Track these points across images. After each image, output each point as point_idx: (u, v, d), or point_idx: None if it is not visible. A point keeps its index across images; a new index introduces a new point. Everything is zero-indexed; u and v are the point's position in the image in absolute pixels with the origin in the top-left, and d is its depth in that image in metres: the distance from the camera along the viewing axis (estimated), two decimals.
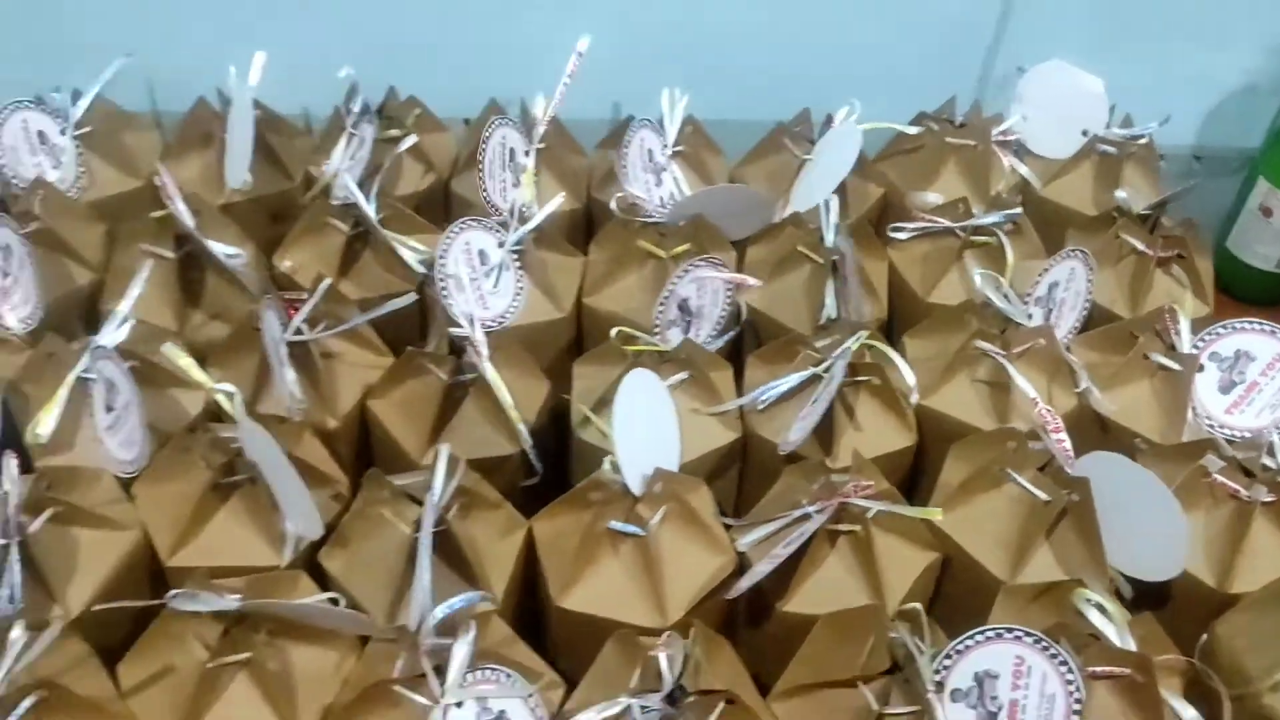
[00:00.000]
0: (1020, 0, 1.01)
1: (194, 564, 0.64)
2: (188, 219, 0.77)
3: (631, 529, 0.64)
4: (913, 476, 0.78)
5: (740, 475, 0.77)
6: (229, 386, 0.66)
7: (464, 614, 0.57)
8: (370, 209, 0.81)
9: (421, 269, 0.82)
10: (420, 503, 0.65)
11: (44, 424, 0.67)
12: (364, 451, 0.77)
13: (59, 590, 0.62)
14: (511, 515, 0.68)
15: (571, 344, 0.85)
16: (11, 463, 0.62)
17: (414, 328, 0.85)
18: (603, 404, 0.73)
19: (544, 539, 0.67)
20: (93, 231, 0.83)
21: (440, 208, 0.93)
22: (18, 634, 0.54)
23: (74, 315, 0.80)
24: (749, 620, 0.69)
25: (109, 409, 0.69)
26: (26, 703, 0.54)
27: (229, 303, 0.81)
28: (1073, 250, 0.80)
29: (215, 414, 0.70)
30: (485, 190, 0.87)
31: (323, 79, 0.91)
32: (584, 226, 0.94)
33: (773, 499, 0.69)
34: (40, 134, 0.86)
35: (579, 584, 0.65)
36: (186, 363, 0.67)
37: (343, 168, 0.88)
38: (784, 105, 0.98)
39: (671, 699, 0.56)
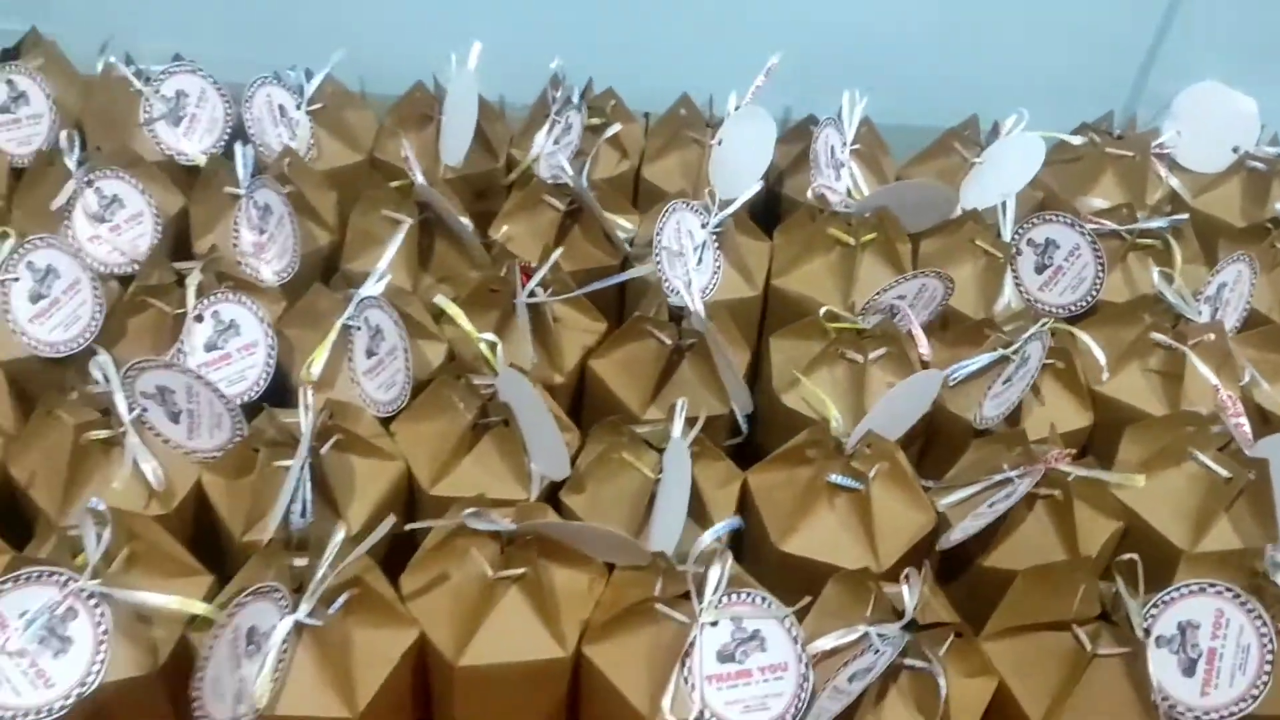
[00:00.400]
0: (1176, 21, 1.06)
1: (452, 494, 0.72)
2: (431, 191, 0.84)
3: (850, 483, 0.71)
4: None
5: (924, 444, 0.84)
6: (491, 336, 0.73)
7: (713, 545, 0.64)
8: (585, 188, 0.88)
9: (627, 245, 0.89)
10: (656, 449, 0.72)
11: (317, 363, 0.75)
12: (576, 407, 0.85)
13: (343, 508, 0.70)
14: (730, 467, 0.75)
15: (758, 320, 0.92)
16: (308, 391, 0.69)
17: (607, 297, 0.92)
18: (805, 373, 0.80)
19: (760, 489, 0.74)
20: (327, 198, 0.91)
21: (630, 193, 1.01)
22: (338, 538, 0.61)
23: (315, 272, 0.88)
24: (942, 573, 0.76)
25: (369, 354, 0.77)
26: (344, 596, 0.62)
27: (454, 267, 0.88)
28: (1240, 255, 0.86)
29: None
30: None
31: (512, 69, 0.98)
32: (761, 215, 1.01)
33: (969, 465, 0.76)
34: (280, 107, 0.94)
35: (798, 531, 0.71)
36: (456, 312, 0.74)
37: (547, 150, 0.96)
38: (934, 112, 1.05)
39: (906, 629, 0.62)
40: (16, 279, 0.76)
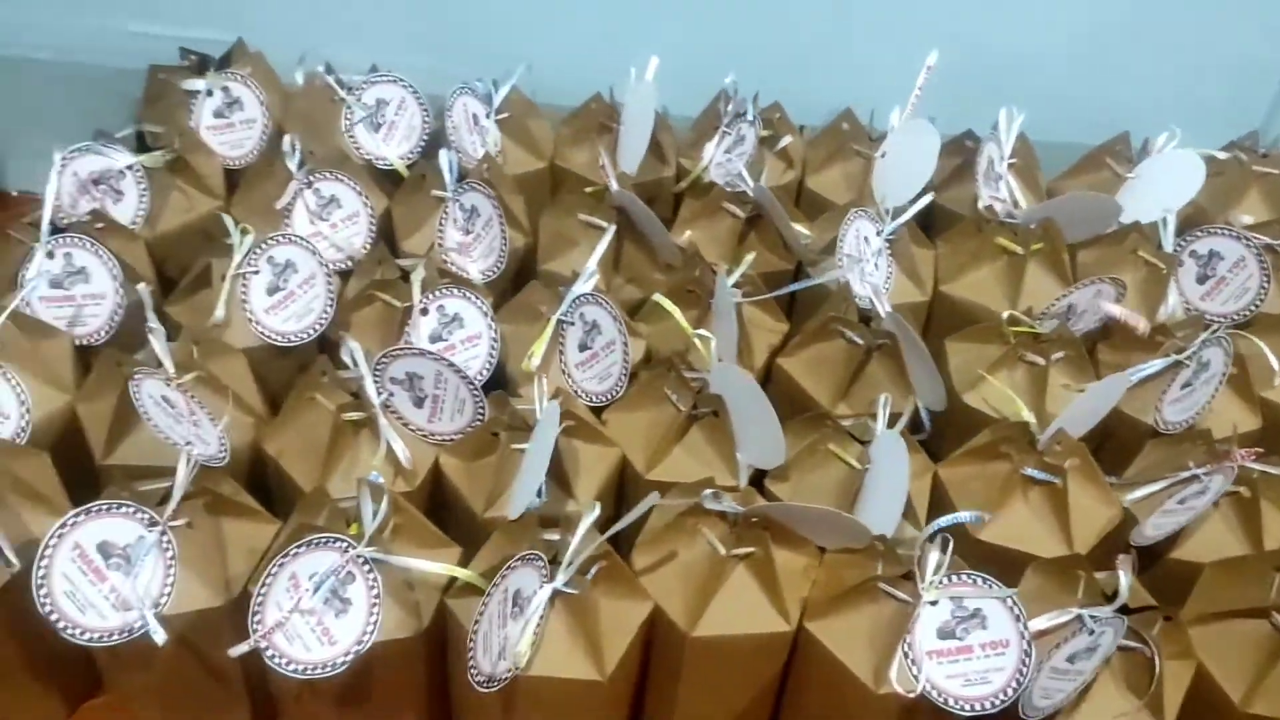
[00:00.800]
0: None
1: (667, 480, 0.77)
2: (628, 195, 0.90)
3: (1046, 476, 0.75)
4: None
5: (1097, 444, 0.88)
6: (705, 333, 0.78)
7: (931, 530, 0.69)
8: (770, 197, 0.93)
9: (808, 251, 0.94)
10: (861, 440, 0.77)
11: (536, 355, 0.80)
12: None
13: (574, 489, 0.75)
14: (924, 460, 0.80)
15: (924, 324, 0.96)
16: (543, 380, 0.75)
17: (780, 300, 0.96)
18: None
19: (953, 482, 0.79)
20: (516, 201, 0.97)
21: (793, 201, 1.06)
22: (593, 514, 0.66)
23: (509, 271, 0.93)
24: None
25: (582, 348, 0.82)
26: (595, 567, 0.67)
27: (640, 269, 0.94)
28: None
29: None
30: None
31: (672, 83, 1.03)
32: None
33: (1150, 464, 0.80)
34: (474, 116, 1.00)
35: (995, 521, 0.76)
36: (673, 309, 0.80)
37: (718, 160, 1.01)
38: (1076, 129, 1.09)
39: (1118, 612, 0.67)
40: (257, 272, 0.82)
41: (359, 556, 0.65)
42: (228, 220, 0.84)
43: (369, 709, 0.70)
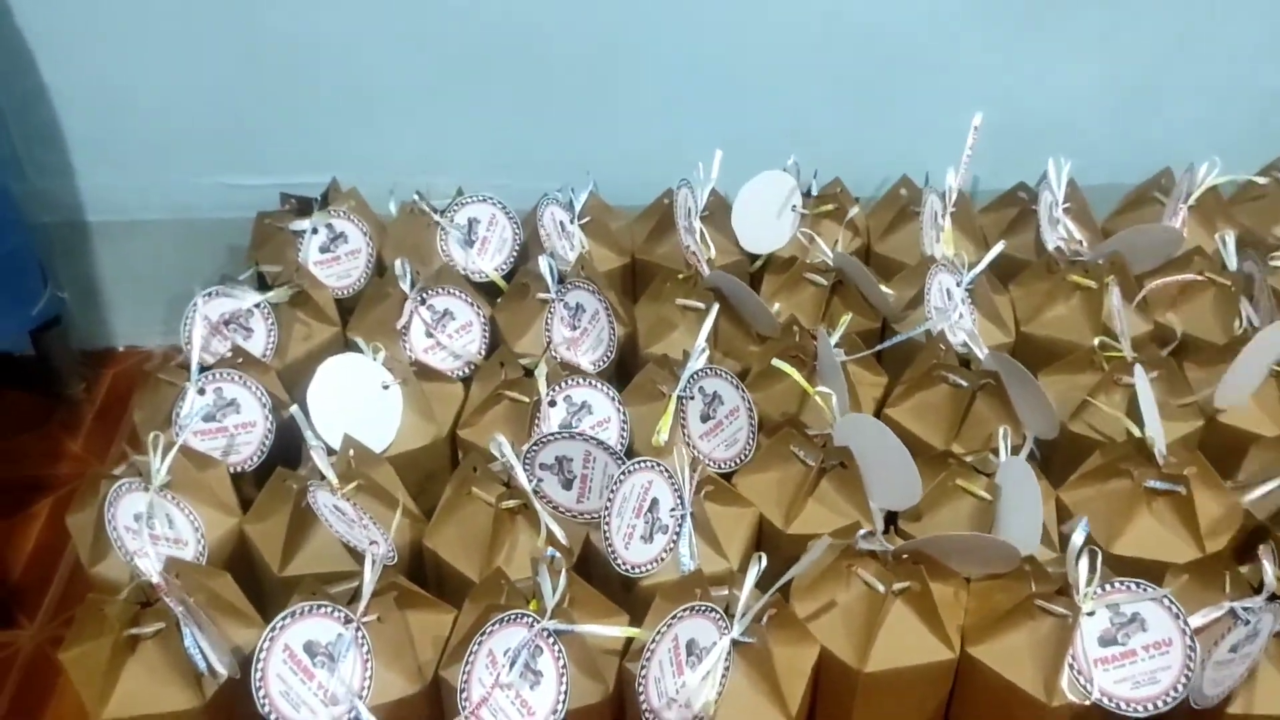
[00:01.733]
0: None
1: (806, 532, 0.81)
2: (725, 275, 0.95)
3: (1171, 486, 0.79)
4: None
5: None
6: (827, 390, 0.83)
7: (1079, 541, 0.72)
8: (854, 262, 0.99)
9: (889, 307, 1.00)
10: (985, 473, 0.81)
11: (664, 430, 0.85)
12: None
13: (722, 549, 0.79)
14: (1046, 485, 0.84)
15: None
16: (681, 452, 0.79)
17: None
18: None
19: (1076, 503, 0.83)
20: (611, 295, 1.02)
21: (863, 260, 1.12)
22: (756, 571, 0.70)
23: (614, 363, 0.98)
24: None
25: (704, 419, 0.87)
26: (768, 614, 0.71)
27: (734, 343, 0.99)
28: None
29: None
30: (924, 243, 1.04)
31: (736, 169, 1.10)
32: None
33: (1261, 466, 0.84)
34: (561, 223, 1.06)
35: (1125, 534, 0.79)
36: (792, 371, 0.84)
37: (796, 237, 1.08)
38: (1115, 170, 1.16)
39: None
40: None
41: (544, 630, 0.69)
42: (358, 340, 0.90)
43: None
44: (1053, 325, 1.00)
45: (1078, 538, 0.71)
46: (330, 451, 0.81)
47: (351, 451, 0.82)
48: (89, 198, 1.13)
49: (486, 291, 1.05)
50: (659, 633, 0.67)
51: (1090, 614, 0.70)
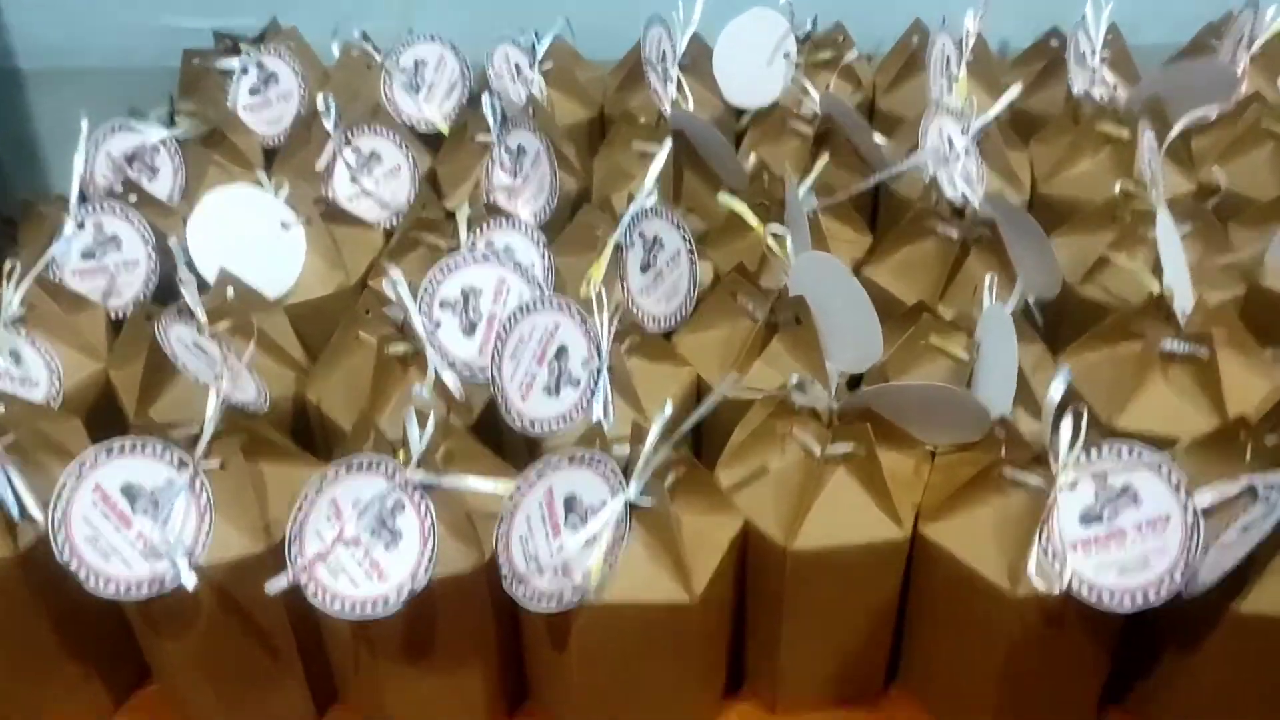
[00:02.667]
0: None
1: (749, 398, 0.68)
2: (687, 114, 0.83)
3: (1190, 348, 0.65)
4: None
5: None
6: (779, 228, 0.71)
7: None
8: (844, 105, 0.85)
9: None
10: (968, 333, 0.68)
11: (595, 279, 0.73)
12: None
13: (643, 410, 0.67)
14: (1043, 350, 0.70)
15: None
16: (602, 293, 0.67)
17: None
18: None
19: (1078, 370, 0.68)
20: (568, 147, 0.91)
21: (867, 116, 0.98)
22: (664, 415, 0.58)
23: (565, 215, 0.87)
24: None
25: (644, 269, 0.75)
26: (673, 475, 0.59)
27: (701, 198, 0.86)
28: None
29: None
30: (931, 91, 0.90)
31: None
32: None
33: None
34: (516, 66, 0.95)
35: (1131, 405, 0.66)
36: (743, 209, 0.72)
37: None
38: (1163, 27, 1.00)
39: None
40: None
41: (407, 482, 0.58)
42: (262, 177, 0.80)
43: (433, 658, 0.62)
44: (1074, 183, 0.85)
45: (1056, 389, 0.57)
46: (206, 288, 0.71)
47: (231, 290, 0.72)
48: (19, 42, 1.05)
49: (433, 145, 0.94)
50: (526, 482, 0.55)
51: (1071, 486, 0.57)
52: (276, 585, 0.55)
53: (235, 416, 0.63)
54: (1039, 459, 0.59)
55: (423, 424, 0.59)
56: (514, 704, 0.69)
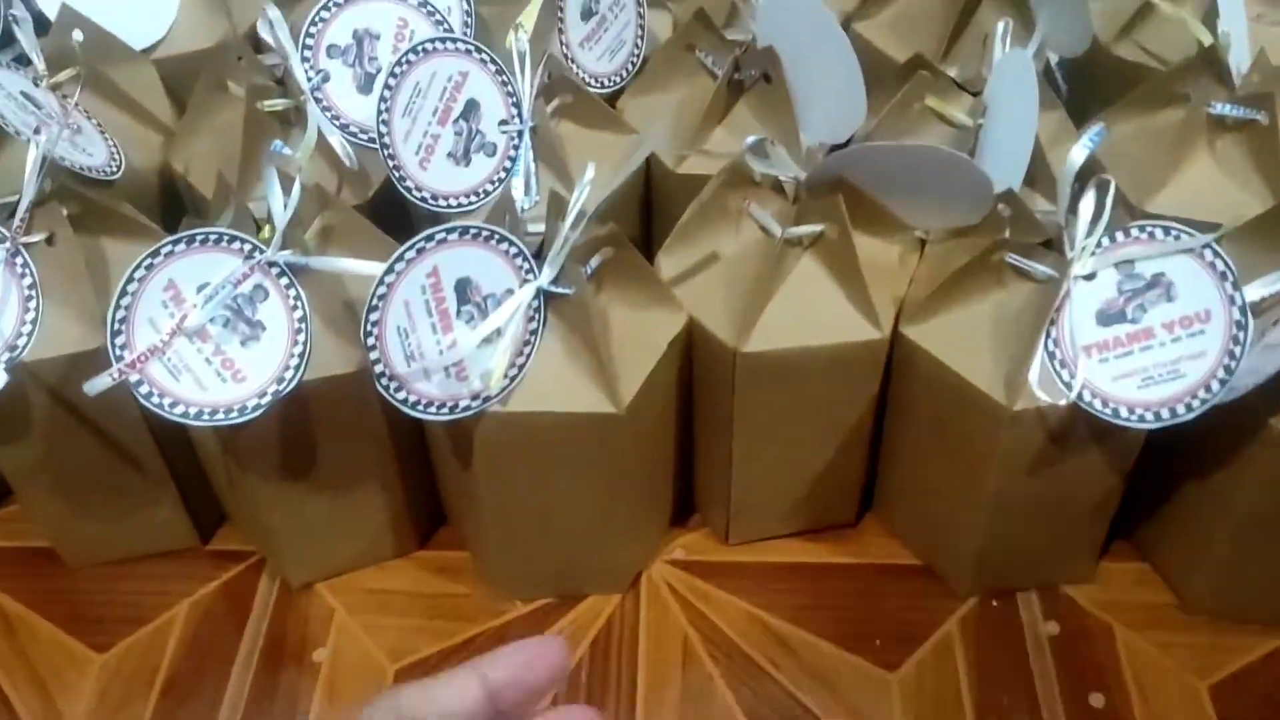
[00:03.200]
0: None
1: (704, 172, 0.56)
2: None
3: (1244, 113, 0.53)
4: None
5: None
6: None
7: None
8: None
9: None
10: (973, 93, 0.55)
11: (528, 23, 0.60)
12: None
13: (574, 182, 0.55)
14: (1063, 118, 0.58)
15: None
16: (524, 42, 0.55)
17: None
18: None
19: (1107, 143, 0.56)
20: None
21: None
22: (585, 181, 0.46)
23: None
24: None
25: (585, 16, 0.61)
26: (598, 258, 0.48)
27: None
28: None
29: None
30: None
31: None
32: None
33: None
34: None
35: (1168, 185, 0.54)
36: None
37: None
38: None
39: None
40: None
41: (270, 264, 0.47)
42: None
43: (319, 476, 0.52)
44: None
45: (1078, 154, 0.46)
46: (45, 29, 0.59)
47: (79, 34, 0.59)
48: None
49: None
50: (401, 259, 0.44)
51: (1088, 277, 0.46)
52: (98, 385, 0.44)
53: (75, 185, 0.51)
54: (1050, 244, 0.48)
55: (287, 190, 0.48)
56: (427, 530, 0.60)
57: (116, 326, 0.45)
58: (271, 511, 0.54)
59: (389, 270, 0.43)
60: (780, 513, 0.58)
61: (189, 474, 0.57)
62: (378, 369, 0.44)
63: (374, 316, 0.44)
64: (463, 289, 0.45)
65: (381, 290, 0.43)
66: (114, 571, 0.59)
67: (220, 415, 0.46)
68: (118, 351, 0.45)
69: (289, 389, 0.47)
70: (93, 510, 0.56)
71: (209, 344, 0.46)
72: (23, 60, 0.57)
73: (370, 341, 0.44)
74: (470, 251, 0.45)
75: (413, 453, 0.55)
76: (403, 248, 0.44)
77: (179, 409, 0.46)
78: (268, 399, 0.46)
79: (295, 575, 0.57)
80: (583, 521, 0.53)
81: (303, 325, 0.47)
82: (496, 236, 0.45)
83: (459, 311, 0.46)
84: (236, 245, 0.47)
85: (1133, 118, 0.56)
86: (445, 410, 0.46)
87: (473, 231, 0.45)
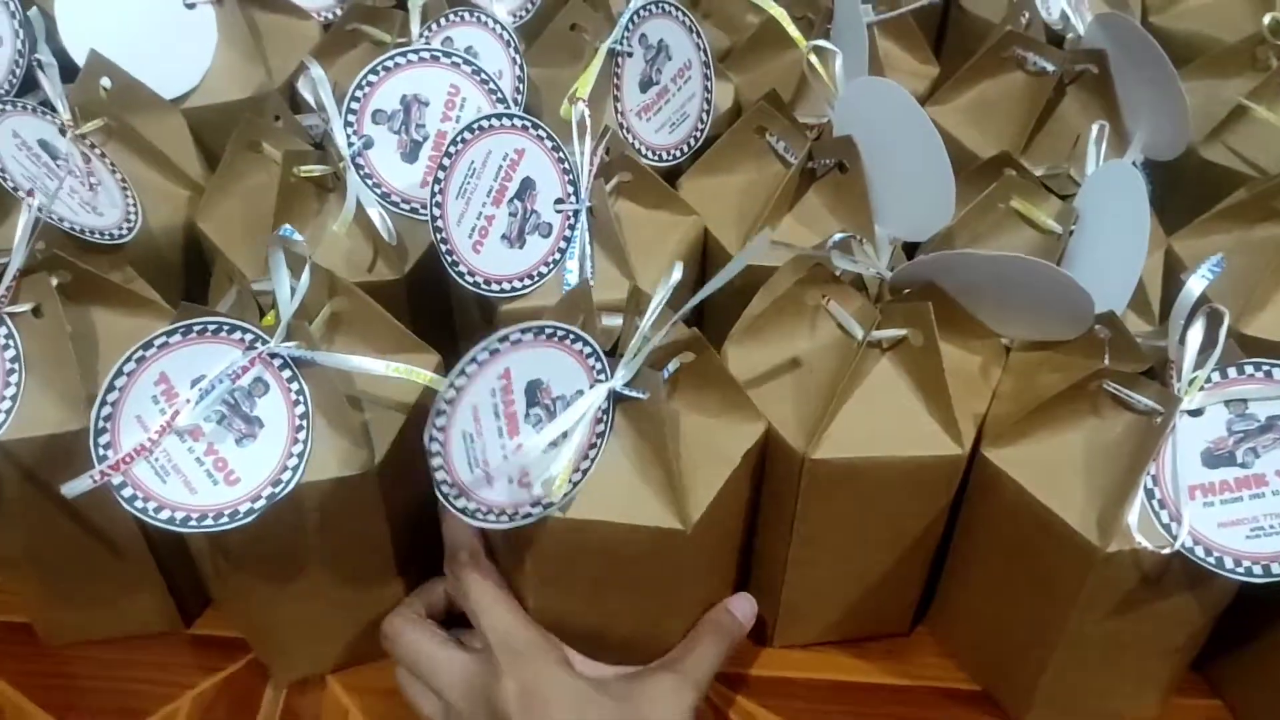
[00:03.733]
0: None
1: (775, 262, 0.52)
2: None
3: None
4: None
5: None
6: (827, 44, 0.53)
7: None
8: None
9: None
10: (1062, 196, 0.52)
11: (582, 92, 0.56)
12: None
13: (632, 270, 0.51)
14: (1156, 224, 0.54)
15: None
16: (584, 112, 0.51)
17: None
18: None
19: (1199, 258, 0.53)
20: None
21: None
22: (669, 285, 0.42)
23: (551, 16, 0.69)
24: None
25: (645, 86, 0.58)
26: (675, 362, 0.44)
27: (728, 5, 0.69)
28: None
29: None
30: None
31: None
32: None
33: None
34: None
35: (1269, 305, 0.50)
36: (780, 13, 0.55)
37: None
38: None
39: None
40: None
41: (272, 355, 0.43)
42: None
43: (311, 578, 0.48)
44: (1199, 15, 0.68)
45: (1194, 285, 0.42)
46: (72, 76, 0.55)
47: (107, 81, 0.55)
48: None
49: None
50: (474, 360, 0.40)
51: (1195, 413, 0.42)
52: (76, 487, 0.40)
53: (81, 248, 0.47)
54: (1151, 372, 0.44)
55: (296, 274, 0.44)
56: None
57: (101, 424, 0.41)
58: (262, 610, 0.50)
59: (460, 373, 0.39)
60: (830, 620, 0.54)
61: (174, 558, 0.53)
62: (439, 475, 0.40)
63: (440, 422, 0.40)
64: (533, 391, 0.41)
65: (450, 395, 0.39)
66: (104, 655, 0.55)
67: (209, 521, 0.42)
68: (101, 451, 0.41)
69: (285, 492, 0.42)
70: (72, 591, 0.52)
71: (201, 442, 0.42)
72: (45, 107, 0.53)
73: (434, 448, 0.40)
74: (544, 352, 0.41)
75: (416, 551, 0.51)
76: (475, 350, 0.39)
77: (164, 514, 0.41)
78: (261, 503, 0.42)
79: (283, 672, 0.54)
80: (635, 632, 0.49)
81: (304, 422, 0.43)
82: (572, 336, 0.41)
83: (527, 414, 0.42)
84: (238, 335, 0.42)
85: (1230, 229, 0.53)
86: (505, 518, 0.42)
87: (548, 331, 0.41)
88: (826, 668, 0.55)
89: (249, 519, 0.42)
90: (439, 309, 0.56)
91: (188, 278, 0.56)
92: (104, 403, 0.40)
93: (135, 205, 0.52)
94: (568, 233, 0.51)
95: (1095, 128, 0.52)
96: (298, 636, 0.51)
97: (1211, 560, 0.42)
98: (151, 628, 0.55)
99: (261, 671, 0.54)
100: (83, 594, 0.52)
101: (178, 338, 0.41)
